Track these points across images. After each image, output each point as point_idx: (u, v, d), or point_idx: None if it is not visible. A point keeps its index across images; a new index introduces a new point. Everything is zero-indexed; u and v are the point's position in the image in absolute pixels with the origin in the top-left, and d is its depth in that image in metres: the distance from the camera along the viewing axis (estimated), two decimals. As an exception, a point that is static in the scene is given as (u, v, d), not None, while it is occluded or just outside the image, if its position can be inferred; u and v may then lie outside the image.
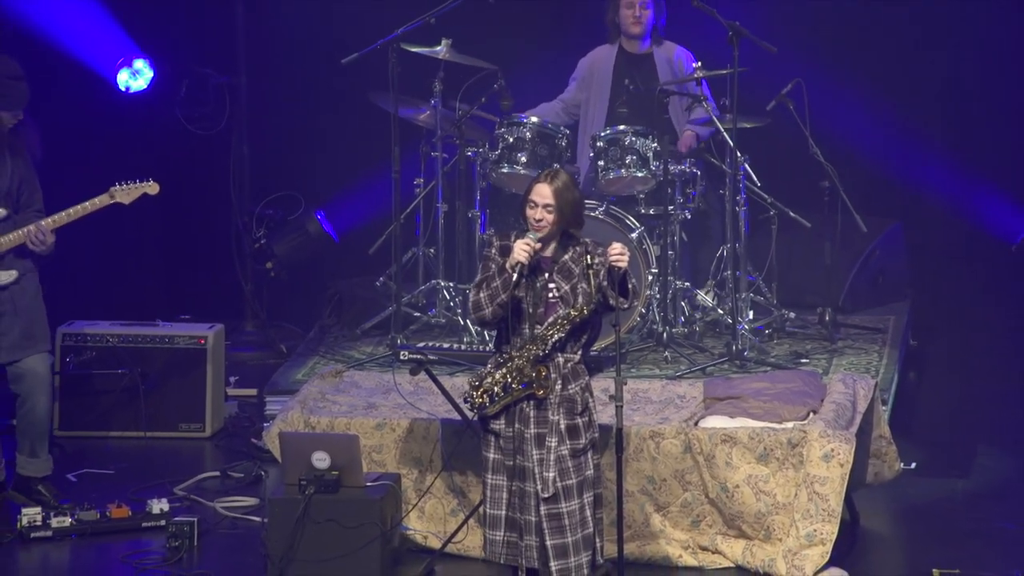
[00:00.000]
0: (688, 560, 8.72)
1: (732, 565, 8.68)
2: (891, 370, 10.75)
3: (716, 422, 8.86)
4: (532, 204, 7.74)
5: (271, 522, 8.48)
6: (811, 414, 8.90)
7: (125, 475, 9.99)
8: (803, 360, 10.78)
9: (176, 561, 8.74)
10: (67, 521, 9.05)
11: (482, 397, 7.76)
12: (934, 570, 8.54)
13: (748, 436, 8.66)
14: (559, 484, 7.72)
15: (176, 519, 8.95)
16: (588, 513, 7.78)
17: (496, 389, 7.73)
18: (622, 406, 7.70)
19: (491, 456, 7.83)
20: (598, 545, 7.83)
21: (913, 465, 9.86)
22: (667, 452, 8.73)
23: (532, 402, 7.71)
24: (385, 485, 8.63)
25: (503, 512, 7.82)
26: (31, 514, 9.03)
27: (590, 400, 7.81)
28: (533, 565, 7.78)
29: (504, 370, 7.73)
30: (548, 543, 7.74)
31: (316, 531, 8.43)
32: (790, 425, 8.78)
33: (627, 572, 7.85)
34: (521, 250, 7.65)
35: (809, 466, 8.54)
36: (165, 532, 8.91)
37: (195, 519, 8.96)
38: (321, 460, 8.52)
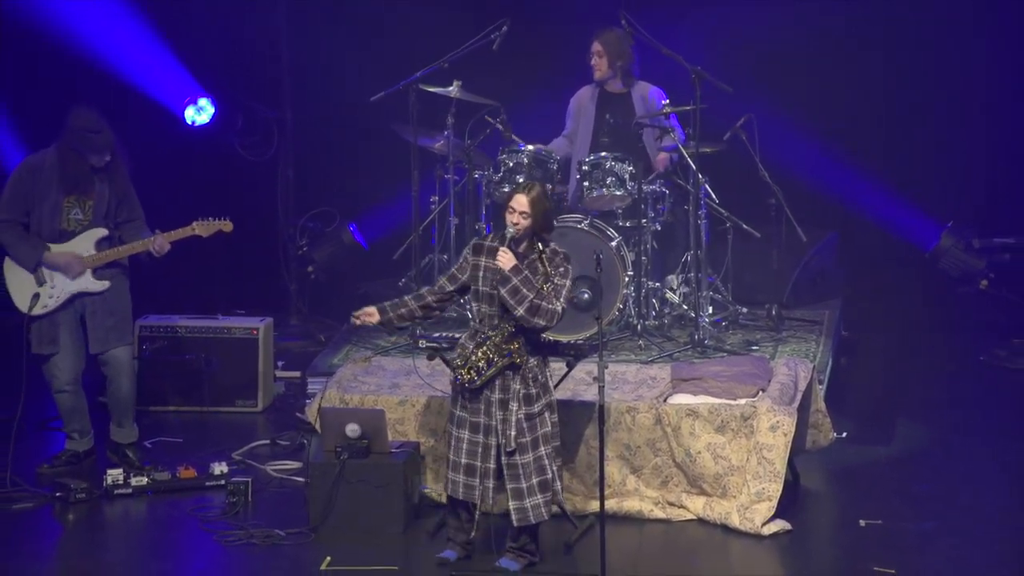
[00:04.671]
0: (658, 513, 8.76)
1: (695, 518, 8.71)
2: (826, 355, 10.74)
3: (682, 399, 8.89)
4: (511, 210, 7.85)
5: (312, 482, 8.52)
6: (760, 392, 8.93)
7: (191, 443, 10.01)
8: (754, 347, 10.76)
9: (234, 514, 8.79)
10: (144, 480, 9.10)
11: (469, 374, 7.83)
12: (861, 521, 8.59)
13: (708, 410, 8.70)
14: (518, 441, 7.81)
15: (234, 479, 8.99)
16: (546, 463, 7.86)
17: (481, 364, 7.81)
18: (604, 386, 7.72)
19: (457, 413, 7.94)
20: (557, 487, 7.92)
21: (844, 434, 9.87)
22: (641, 424, 8.77)
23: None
24: (407, 451, 8.66)
25: (463, 459, 7.90)
26: (114, 475, 9.08)
27: (547, 371, 7.92)
28: (488, 504, 7.89)
29: (484, 348, 7.80)
30: (508, 487, 7.84)
31: (350, 489, 8.47)
32: (743, 401, 8.81)
33: (607, 523, 7.86)
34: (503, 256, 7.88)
35: (758, 435, 8.57)
36: (225, 490, 8.95)
37: (249, 479, 9.00)
38: (353, 431, 8.56)
